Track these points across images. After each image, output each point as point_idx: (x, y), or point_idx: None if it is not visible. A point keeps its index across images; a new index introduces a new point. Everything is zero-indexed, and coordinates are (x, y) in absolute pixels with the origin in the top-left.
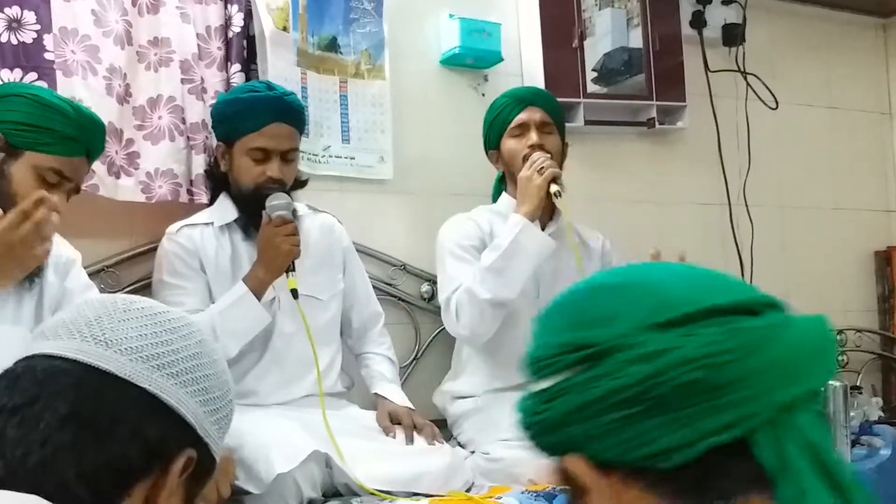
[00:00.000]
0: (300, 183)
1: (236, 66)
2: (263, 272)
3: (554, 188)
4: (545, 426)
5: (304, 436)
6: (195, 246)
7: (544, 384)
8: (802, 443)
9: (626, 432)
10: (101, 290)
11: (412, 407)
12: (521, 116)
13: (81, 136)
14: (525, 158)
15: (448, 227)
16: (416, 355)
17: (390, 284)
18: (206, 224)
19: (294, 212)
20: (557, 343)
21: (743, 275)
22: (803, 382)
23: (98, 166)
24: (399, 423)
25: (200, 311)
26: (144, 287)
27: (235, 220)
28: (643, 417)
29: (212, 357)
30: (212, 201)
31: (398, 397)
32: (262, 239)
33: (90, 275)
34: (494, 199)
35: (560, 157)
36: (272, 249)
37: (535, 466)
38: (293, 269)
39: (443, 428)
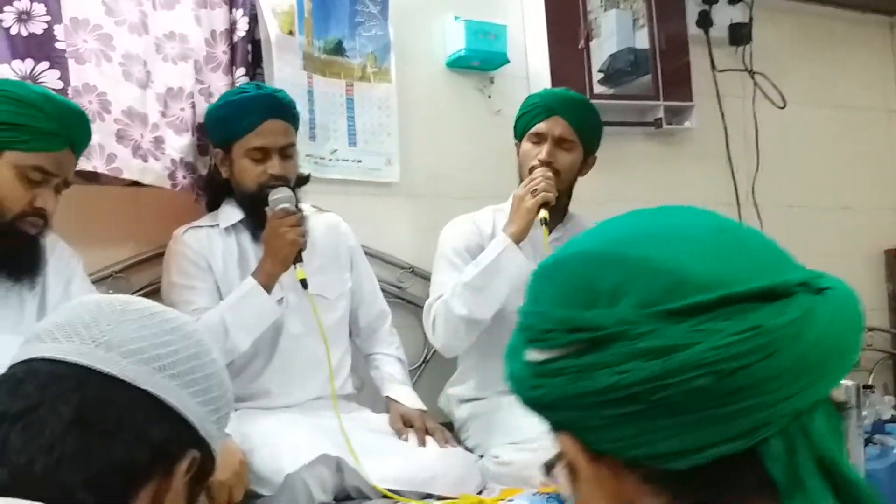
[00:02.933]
0: (302, 179)
1: (241, 71)
2: (270, 264)
3: (542, 214)
4: (537, 403)
5: (314, 438)
6: (202, 247)
7: (537, 355)
8: (816, 454)
9: (624, 429)
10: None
11: (424, 409)
12: (542, 126)
13: (61, 129)
14: (531, 171)
15: (447, 230)
16: (424, 358)
17: (398, 287)
18: (212, 226)
19: (297, 204)
20: (552, 317)
21: None
22: (823, 384)
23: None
24: (411, 427)
25: (206, 310)
26: (153, 291)
27: (241, 222)
28: (644, 417)
29: (210, 356)
30: (210, 207)
31: (410, 400)
32: (267, 231)
33: (98, 281)
34: None
35: (572, 174)
36: (277, 240)
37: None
38: (300, 261)
39: (450, 431)
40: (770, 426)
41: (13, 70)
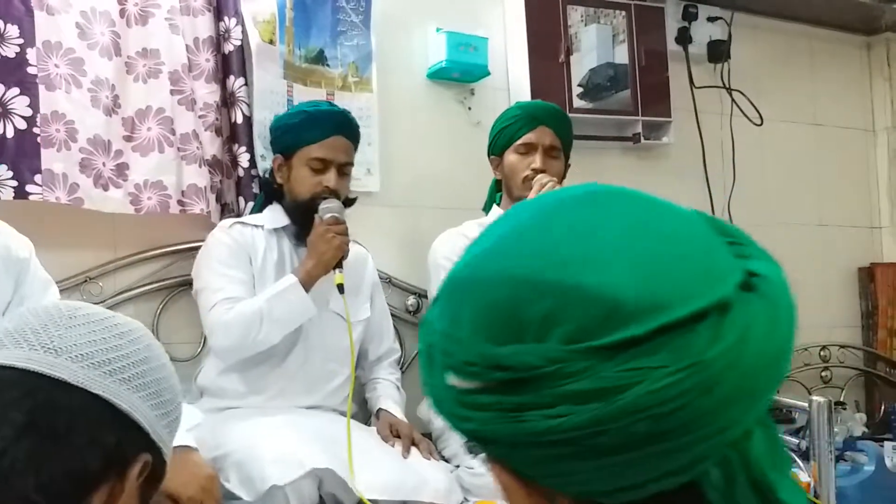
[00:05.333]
0: (350, 201)
1: (240, 81)
2: (312, 265)
3: None
4: (466, 432)
5: (303, 450)
6: (246, 241)
7: (458, 383)
8: (753, 478)
9: (559, 467)
10: (85, 301)
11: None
12: (531, 136)
13: None
14: (526, 179)
15: (438, 245)
16: (402, 369)
17: None
18: (257, 226)
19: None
20: (473, 350)
21: None
22: (761, 403)
23: (83, 179)
24: (398, 436)
25: (242, 300)
26: (129, 298)
27: (285, 228)
28: (580, 458)
29: (160, 361)
30: (259, 210)
31: (400, 415)
32: (314, 234)
33: (73, 286)
34: (487, 208)
35: (560, 181)
36: (324, 244)
37: None
38: (341, 267)
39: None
40: (709, 458)
41: None
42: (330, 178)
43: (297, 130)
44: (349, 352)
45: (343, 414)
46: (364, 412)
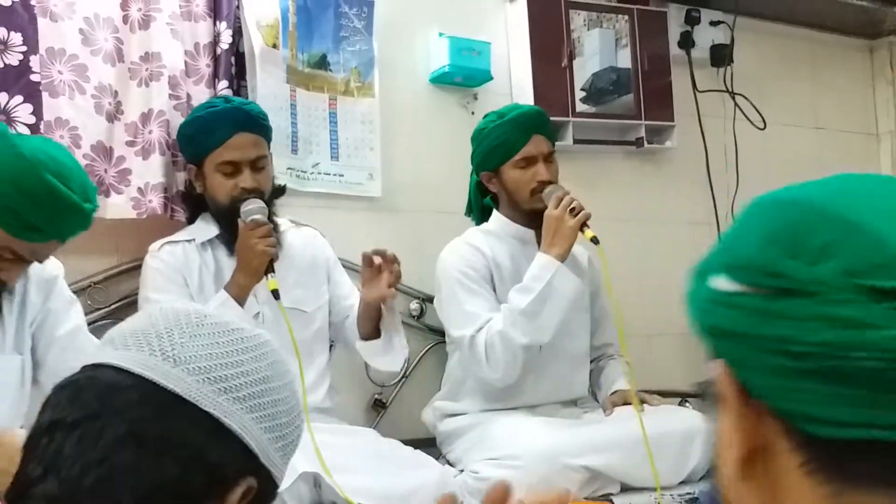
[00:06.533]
0: (278, 190)
1: (223, 83)
2: (242, 276)
3: (590, 233)
4: (708, 329)
5: (298, 455)
6: (178, 262)
7: (725, 284)
8: None
9: (783, 381)
10: (88, 307)
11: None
12: (529, 149)
13: (49, 227)
14: (534, 192)
15: (451, 256)
16: (405, 373)
17: None
18: (188, 241)
19: (270, 216)
20: (754, 254)
21: None
22: None
23: None
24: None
25: None
26: (131, 304)
27: (217, 237)
28: (807, 377)
29: (283, 381)
30: (190, 222)
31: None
32: (238, 243)
33: (77, 291)
34: (469, 212)
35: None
36: (247, 251)
37: (524, 486)
38: (272, 271)
39: (432, 446)
40: None
41: None
42: (245, 179)
43: (197, 138)
44: (313, 344)
45: (324, 412)
46: (351, 404)
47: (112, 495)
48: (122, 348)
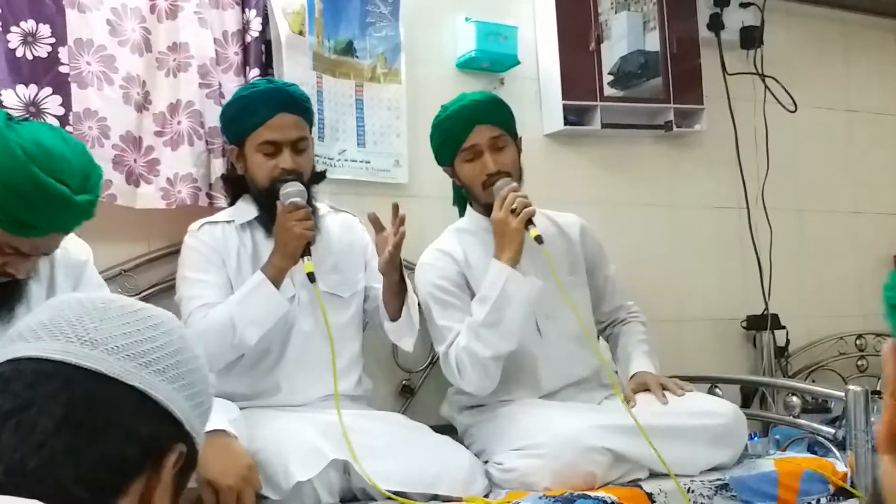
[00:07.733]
0: (318, 175)
1: (255, 71)
2: (278, 258)
3: (534, 232)
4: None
5: (324, 442)
6: (217, 242)
7: None
8: None
9: None
10: (119, 294)
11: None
12: (471, 139)
13: (43, 222)
14: (485, 185)
15: (423, 269)
16: (431, 360)
17: None
18: (228, 222)
19: (310, 200)
20: None
21: (762, 279)
22: None
23: (116, 176)
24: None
25: (216, 305)
26: (162, 290)
27: (256, 219)
28: None
29: (192, 351)
30: (231, 204)
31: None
32: (276, 225)
33: (108, 279)
34: (455, 202)
35: (517, 167)
36: (285, 234)
37: (549, 474)
38: (308, 254)
39: (452, 436)
40: None
41: (17, 96)
42: (285, 159)
43: (239, 118)
44: (347, 329)
45: (354, 399)
46: (383, 392)
47: (55, 478)
48: (35, 340)
